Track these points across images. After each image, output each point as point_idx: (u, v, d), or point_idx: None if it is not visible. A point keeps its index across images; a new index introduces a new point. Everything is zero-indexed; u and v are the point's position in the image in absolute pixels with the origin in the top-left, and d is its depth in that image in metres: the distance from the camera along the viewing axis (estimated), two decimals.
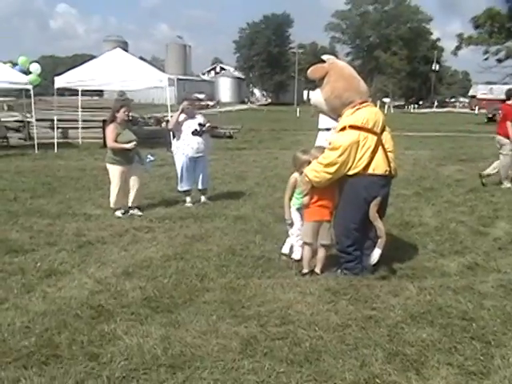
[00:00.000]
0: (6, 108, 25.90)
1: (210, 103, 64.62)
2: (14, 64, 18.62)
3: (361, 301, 5.22)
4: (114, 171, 8.70)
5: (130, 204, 8.87)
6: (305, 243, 6.03)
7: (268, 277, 5.86)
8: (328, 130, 9.47)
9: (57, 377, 3.75)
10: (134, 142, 8.62)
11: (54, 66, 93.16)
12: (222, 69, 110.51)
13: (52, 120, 18.64)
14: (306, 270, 5.96)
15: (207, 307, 5.00)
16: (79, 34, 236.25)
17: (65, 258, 6.46)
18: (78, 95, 20.41)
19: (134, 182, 8.84)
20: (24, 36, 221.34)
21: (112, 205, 8.77)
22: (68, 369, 3.86)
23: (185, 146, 9.34)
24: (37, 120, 19.72)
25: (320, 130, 9.87)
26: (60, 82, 17.68)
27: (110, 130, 8.63)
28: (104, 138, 19.00)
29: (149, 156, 9.04)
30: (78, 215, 8.75)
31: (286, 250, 6.55)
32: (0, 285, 5.52)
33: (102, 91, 35.83)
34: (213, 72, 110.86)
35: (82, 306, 4.96)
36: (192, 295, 5.29)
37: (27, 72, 18.13)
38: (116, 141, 8.59)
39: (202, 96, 67.78)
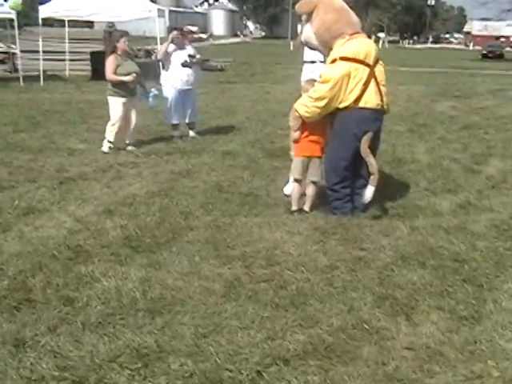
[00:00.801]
0: None
1: (203, 36, 63.07)
2: None
3: (350, 241, 5.01)
4: (114, 104, 8.21)
5: (127, 140, 8.49)
6: (294, 180, 5.77)
7: (255, 215, 5.63)
8: (313, 62, 9.14)
9: (28, 323, 3.52)
10: (134, 74, 8.14)
11: None
12: (216, 1, 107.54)
13: (37, 51, 17.96)
14: (294, 208, 5.72)
15: (190, 247, 4.77)
16: None
17: (44, 195, 6.18)
18: (72, 28, 19.70)
19: (133, 117, 8.44)
20: None
21: (109, 136, 8.30)
22: (41, 314, 3.63)
23: (174, 78, 8.95)
24: (22, 51, 19.06)
25: (305, 62, 9.52)
26: (45, 11, 16.93)
27: (110, 62, 8.10)
28: (92, 70, 18.56)
29: (153, 89, 8.62)
30: (61, 150, 8.45)
31: (287, 190, 6.22)
32: None
33: (92, 23, 34.72)
34: (206, 4, 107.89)
35: (60, 246, 4.71)
36: (175, 234, 5.06)
37: None
38: (115, 73, 8.11)
39: (194, 28, 66.13)
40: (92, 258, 4.51)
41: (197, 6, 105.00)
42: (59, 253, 4.58)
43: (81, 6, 16.61)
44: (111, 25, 17.95)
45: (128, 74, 8.06)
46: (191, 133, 9.40)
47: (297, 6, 5.73)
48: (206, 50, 28.77)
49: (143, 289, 4.00)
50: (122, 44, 8.14)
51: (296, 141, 5.67)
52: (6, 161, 7.71)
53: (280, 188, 6.42)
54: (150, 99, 8.55)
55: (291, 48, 43.32)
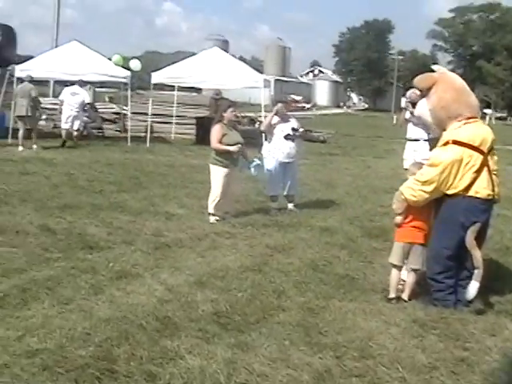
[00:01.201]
0: (107, 99, 26.52)
1: (307, 105, 64.27)
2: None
3: (452, 338, 4.64)
4: (217, 173, 8.27)
5: (225, 209, 8.52)
6: (393, 265, 5.50)
7: (350, 299, 5.38)
8: (417, 140, 8.95)
9: None
10: (240, 145, 8.26)
11: (157, 61, 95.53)
12: (321, 72, 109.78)
13: (146, 114, 18.81)
14: (392, 295, 5.43)
15: (281, 329, 4.59)
16: (182, 32, 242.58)
17: (139, 259, 6.24)
18: (180, 91, 20.58)
19: (234, 187, 8.51)
20: (131, 31, 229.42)
21: (210, 209, 8.34)
22: None
23: (276, 150, 8.98)
24: (132, 113, 20.04)
25: (409, 140, 9.31)
26: (157, 77, 17.81)
27: (216, 130, 8.24)
28: (197, 135, 19.14)
29: (255, 160, 8.67)
30: (160, 214, 8.59)
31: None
32: (69, 283, 5.36)
33: (200, 89, 36.21)
34: (311, 74, 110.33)
35: (148, 315, 4.66)
36: (266, 314, 4.89)
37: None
38: (221, 142, 8.26)
39: (298, 98, 67.53)
40: (179, 331, 4.41)
41: (302, 76, 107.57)
42: (147, 323, 4.53)
43: (192, 73, 17.35)
44: (218, 92, 18.58)
45: (233, 144, 8.15)
46: (290, 206, 9.32)
47: (416, 80, 5.60)
48: (308, 120, 29.08)
49: (228, 372, 3.84)
50: (229, 114, 8.28)
51: (398, 225, 5.43)
52: (106, 221, 7.92)
53: (378, 272, 6.15)
54: (252, 169, 8.57)
55: (394, 121, 43.13)
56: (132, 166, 13.51)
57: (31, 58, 18.71)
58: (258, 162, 8.60)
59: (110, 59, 18.36)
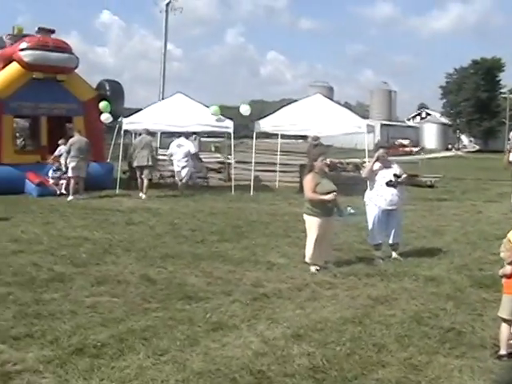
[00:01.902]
0: (213, 149, 27.33)
1: (414, 149, 63.00)
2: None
3: None
4: (312, 223, 8.22)
5: (325, 259, 8.42)
6: (503, 320, 5.13)
7: (456, 356, 5.06)
8: None
9: None
10: (334, 194, 8.19)
11: (263, 109, 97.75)
12: (428, 114, 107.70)
13: (250, 162, 19.11)
14: (503, 352, 5.05)
15: None
16: (287, 80, 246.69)
17: (236, 310, 6.22)
18: (285, 138, 20.79)
19: (331, 235, 8.40)
20: (236, 82, 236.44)
21: (307, 259, 8.28)
22: None
23: (377, 197, 8.79)
24: (236, 162, 20.43)
25: None
26: (260, 126, 18.11)
27: (309, 180, 8.22)
28: (300, 182, 19.15)
29: (349, 208, 8.53)
30: (261, 263, 8.58)
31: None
32: (165, 334, 5.42)
33: (305, 136, 36.54)
34: (418, 117, 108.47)
35: (242, 369, 4.61)
36: (364, 369, 4.70)
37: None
38: (315, 191, 8.22)
39: (406, 142, 66.49)
40: None
41: (409, 120, 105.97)
42: (240, 377, 4.47)
43: (294, 121, 17.50)
44: (316, 138, 18.61)
45: (327, 193, 8.06)
46: (394, 254, 9.03)
47: None
48: (415, 165, 28.41)
49: None
50: (319, 163, 8.22)
51: (508, 276, 5.08)
52: (207, 270, 8.02)
53: (488, 325, 5.76)
54: (346, 218, 8.42)
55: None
56: (235, 215, 13.68)
57: (140, 110, 19.69)
58: (352, 210, 8.45)
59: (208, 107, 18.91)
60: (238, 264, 8.48)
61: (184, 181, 17.98)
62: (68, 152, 16.24)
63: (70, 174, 16.22)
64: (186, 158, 17.96)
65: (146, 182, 17.16)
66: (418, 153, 59.71)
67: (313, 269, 8.19)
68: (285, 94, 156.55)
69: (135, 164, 17.49)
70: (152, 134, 19.58)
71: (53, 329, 5.53)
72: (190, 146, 18.32)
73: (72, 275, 7.65)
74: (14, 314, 5.99)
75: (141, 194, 16.83)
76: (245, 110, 18.10)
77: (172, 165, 18.78)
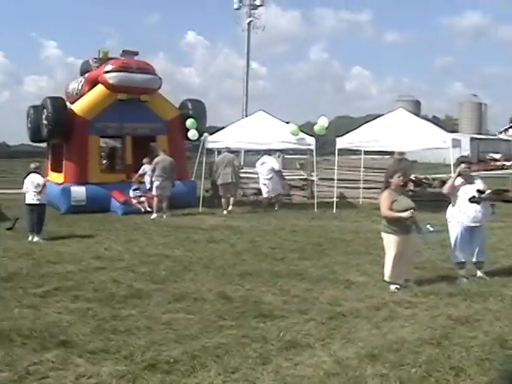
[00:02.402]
0: (298, 166, 27.32)
1: (507, 163, 60.55)
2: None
3: None
4: (390, 241, 8.10)
5: (405, 277, 8.26)
6: None
7: None
8: None
9: None
10: (411, 211, 8.04)
11: (348, 125, 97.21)
12: None
13: (333, 179, 19.03)
14: None
15: None
16: (372, 95, 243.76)
17: (311, 329, 6.20)
18: (369, 154, 20.64)
19: (410, 254, 8.26)
20: (321, 98, 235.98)
21: (386, 277, 8.16)
22: None
23: (460, 214, 8.54)
24: (320, 179, 20.39)
25: None
26: (341, 142, 18.01)
27: (384, 197, 8.09)
28: None
29: (428, 226, 8.32)
30: (339, 281, 8.53)
31: None
32: (238, 351, 5.48)
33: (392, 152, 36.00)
34: (511, 130, 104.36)
35: None
36: None
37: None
38: (391, 208, 8.09)
39: (497, 156, 64.09)
40: None
41: (501, 133, 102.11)
42: None
43: (377, 137, 17.24)
44: (401, 153, 18.27)
45: (404, 211, 7.90)
46: (479, 273, 8.71)
47: None
48: (506, 180, 27.33)
49: None
50: (395, 180, 8.06)
51: None
52: (284, 288, 8.04)
53: None
54: (425, 236, 8.22)
55: None
56: (316, 232, 13.64)
57: (223, 129, 20.10)
58: (430, 229, 8.22)
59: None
60: (316, 282, 8.46)
61: (268, 197, 18.31)
62: (153, 171, 16.82)
63: (154, 192, 16.76)
64: (270, 175, 18.33)
65: (231, 199, 17.81)
66: (510, 167, 57.37)
67: (392, 287, 8.05)
68: (371, 110, 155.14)
69: (219, 182, 17.99)
70: (235, 151, 19.92)
71: (128, 344, 5.72)
72: (273, 163, 18.63)
73: (150, 292, 7.88)
74: (92, 328, 6.24)
75: (225, 212, 17.34)
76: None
77: (255, 182, 19.08)
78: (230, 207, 17.72)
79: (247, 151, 24.96)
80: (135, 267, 9.56)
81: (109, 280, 8.58)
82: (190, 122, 19.02)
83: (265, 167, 18.43)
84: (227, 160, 17.88)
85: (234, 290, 7.98)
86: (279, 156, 24.26)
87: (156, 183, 16.69)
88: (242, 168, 19.21)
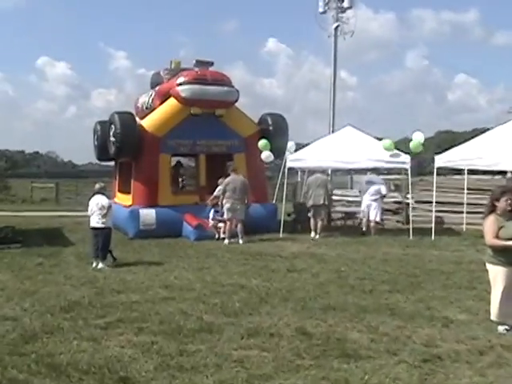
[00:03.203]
0: (392, 188, 26.89)
1: None
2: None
3: None
4: (496, 274, 7.79)
5: None
6: None
7: None
8: None
9: None
10: None
11: (451, 141, 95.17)
12: None
13: (431, 202, 18.62)
14: None
15: None
16: (480, 106, 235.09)
17: (401, 373, 6.03)
18: (473, 174, 20.25)
19: None
20: (420, 110, 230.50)
21: (493, 316, 7.85)
22: None
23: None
24: (416, 202, 19.99)
25: None
26: (441, 160, 17.62)
27: (489, 224, 7.79)
28: None
29: None
30: (436, 319, 8.31)
31: None
32: None
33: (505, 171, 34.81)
34: None
35: None
36: None
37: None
38: (497, 236, 7.75)
39: None
40: None
41: None
42: None
43: (483, 154, 16.70)
44: None
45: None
46: None
47: None
48: None
49: None
50: (502, 203, 7.73)
51: None
52: (371, 325, 7.90)
53: None
54: None
55: None
56: (411, 262, 13.35)
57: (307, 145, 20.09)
58: None
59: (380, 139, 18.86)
60: (409, 319, 8.25)
61: (370, 220, 18.45)
62: (223, 193, 16.99)
63: (225, 216, 16.91)
64: (376, 196, 18.33)
65: (320, 222, 17.99)
66: None
67: (500, 328, 7.72)
68: (477, 123, 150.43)
69: (310, 203, 18.19)
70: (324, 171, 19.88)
71: (194, 383, 5.72)
72: (381, 184, 18.76)
73: (222, 325, 7.90)
74: (156, 365, 6.29)
75: (313, 235, 17.66)
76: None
77: (343, 205, 18.98)
78: (319, 231, 17.78)
79: (334, 171, 24.77)
80: (206, 298, 9.62)
81: (177, 311, 8.66)
82: (262, 144, 19.05)
83: (373, 187, 18.42)
84: (320, 181, 18.11)
85: (314, 325, 7.89)
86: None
87: (226, 205, 16.84)
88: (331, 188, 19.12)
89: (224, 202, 16.90)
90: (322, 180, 18.24)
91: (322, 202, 17.89)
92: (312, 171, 19.13)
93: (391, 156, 17.76)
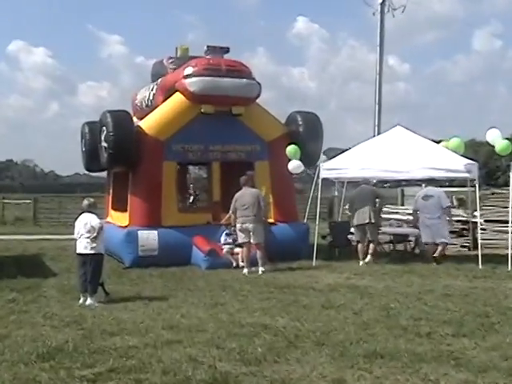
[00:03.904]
0: (455, 203, 26.65)
1: None
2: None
3: None
4: None
5: None
6: None
7: None
8: None
9: None
10: None
11: None
12: None
13: (505, 222, 18.44)
14: None
15: None
16: None
17: None
18: None
19: None
20: (491, 105, 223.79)
21: None
22: None
23: None
24: (486, 221, 19.81)
25: None
26: None
27: None
28: None
29: None
30: None
31: None
32: None
33: None
34: None
35: None
36: None
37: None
38: None
39: None
40: None
41: None
42: None
43: None
44: None
45: None
46: None
47: None
48: None
49: None
50: None
51: None
52: (430, 378, 7.84)
53: None
54: None
55: None
56: (481, 298, 13.21)
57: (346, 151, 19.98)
58: None
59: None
60: (480, 371, 8.13)
61: (431, 244, 18.40)
62: (233, 211, 17.04)
63: (238, 239, 17.01)
64: (437, 214, 18.26)
65: (370, 246, 18.18)
66: None
67: None
68: None
69: (354, 222, 18.35)
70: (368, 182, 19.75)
71: None
72: (442, 196, 18.62)
73: (240, 376, 7.87)
74: None
75: (361, 263, 17.79)
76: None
77: (391, 225, 18.87)
78: (369, 257, 17.86)
79: (381, 182, 24.65)
80: (221, 341, 9.58)
81: (184, 358, 8.61)
82: (290, 150, 18.93)
83: (431, 202, 18.26)
84: (365, 194, 18.16)
85: (356, 377, 7.84)
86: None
87: (237, 226, 16.95)
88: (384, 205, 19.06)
89: (235, 222, 17.00)
90: (368, 192, 18.28)
91: (367, 220, 17.91)
92: (357, 182, 19.03)
93: (453, 163, 17.58)
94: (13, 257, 20.12)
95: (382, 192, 20.81)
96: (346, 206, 18.96)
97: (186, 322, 10.90)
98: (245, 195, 16.99)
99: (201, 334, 10.04)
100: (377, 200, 18.39)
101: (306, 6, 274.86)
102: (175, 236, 17.87)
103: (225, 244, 17.70)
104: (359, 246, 18.11)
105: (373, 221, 18.00)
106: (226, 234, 17.79)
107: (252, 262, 16.72)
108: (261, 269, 16.57)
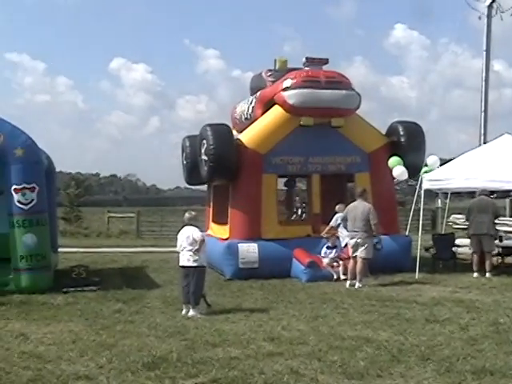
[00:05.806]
0: None
1: None
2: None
3: None
4: None
5: None
6: None
7: None
8: None
9: None
10: None
11: None
12: None
13: None
14: None
15: None
16: None
17: None
18: None
19: None
20: None
21: None
22: None
23: None
24: None
25: None
26: None
27: None
28: None
29: None
30: None
31: None
32: None
33: None
34: None
35: None
36: None
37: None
38: None
39: None
40: None
41: None
42: None
43: None
44: None
45: None
46: None
47: None
48: None
49: None
50: None
51: None
52: None
53: None
54: None
55: None
56: None
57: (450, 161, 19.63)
58: None
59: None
60: None
61: None
62: (344, 224, 16.94)
63: (350, 252, 16.79)
64: None
65: (488, 257, 17.87)
66: None
67: None
68: None
69: (470, 232, 18.22)
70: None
71: None
72: None
73: None
74: None
75: (475, 275, 17.55)
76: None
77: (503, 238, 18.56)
78: (488, 274, 17.58)
79: (496, 192, 24.09)
80: (322, 354, 9.52)
81: (286, 371, 8.59)
82: (393, 162, 18.72)
83: None
84: (485, 204, 17.92)
85: None
86: None
87: (346, 239, 16.92)
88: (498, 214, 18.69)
89: (345, 234, 16.83)
90: (487, 203, 18.01)
91: (484, 230, 17.66)
92: (479, 193, 18.63)
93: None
94: (118, 269, 20.53)
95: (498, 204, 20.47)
96: (459, 216, 18.66)
97: (286, 335, 10.88)
98: (356, 209, 16.79)
99: (302, 347, 10.00)
100: (495, 212, 18.23)
101: (404, 12, 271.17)
102: (275, 248, 17.87)
103: (326, 257, 17.55)
104: (474, 256, 17.87)
105: (491, 232, 17.81)
106: (327, 248, 17.65)
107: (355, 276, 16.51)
108: (358, 284, 16.31)
